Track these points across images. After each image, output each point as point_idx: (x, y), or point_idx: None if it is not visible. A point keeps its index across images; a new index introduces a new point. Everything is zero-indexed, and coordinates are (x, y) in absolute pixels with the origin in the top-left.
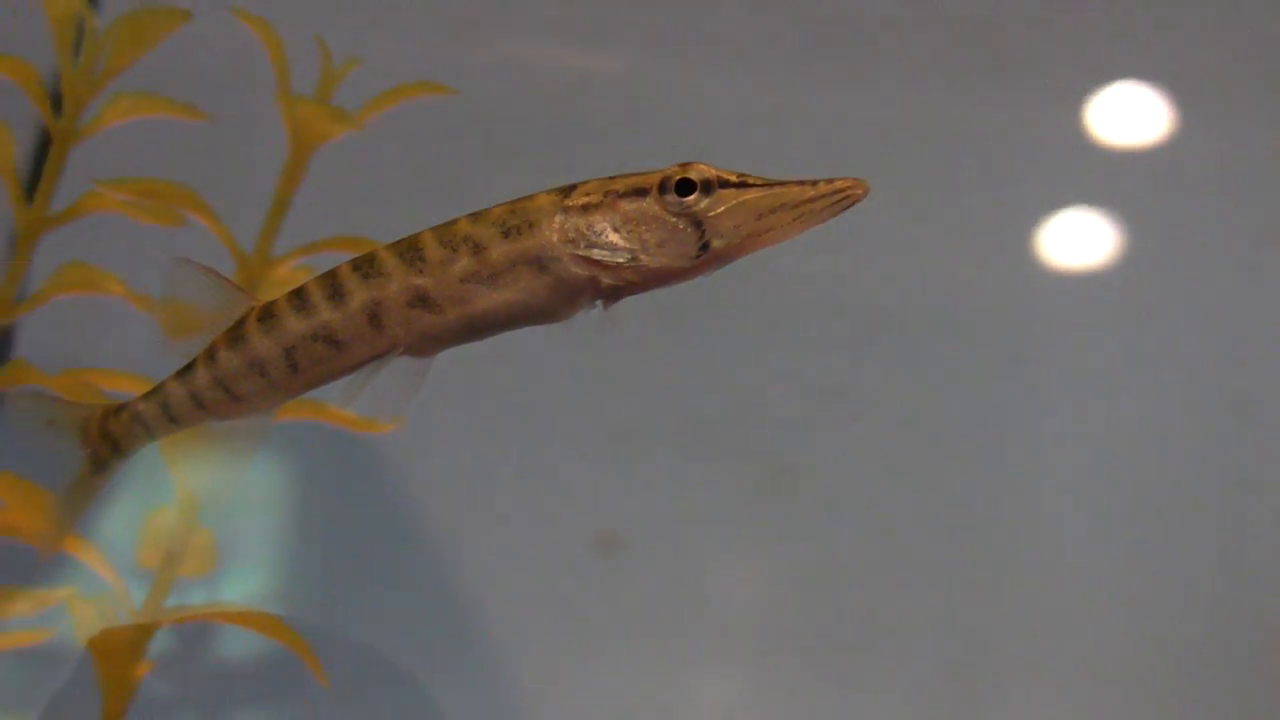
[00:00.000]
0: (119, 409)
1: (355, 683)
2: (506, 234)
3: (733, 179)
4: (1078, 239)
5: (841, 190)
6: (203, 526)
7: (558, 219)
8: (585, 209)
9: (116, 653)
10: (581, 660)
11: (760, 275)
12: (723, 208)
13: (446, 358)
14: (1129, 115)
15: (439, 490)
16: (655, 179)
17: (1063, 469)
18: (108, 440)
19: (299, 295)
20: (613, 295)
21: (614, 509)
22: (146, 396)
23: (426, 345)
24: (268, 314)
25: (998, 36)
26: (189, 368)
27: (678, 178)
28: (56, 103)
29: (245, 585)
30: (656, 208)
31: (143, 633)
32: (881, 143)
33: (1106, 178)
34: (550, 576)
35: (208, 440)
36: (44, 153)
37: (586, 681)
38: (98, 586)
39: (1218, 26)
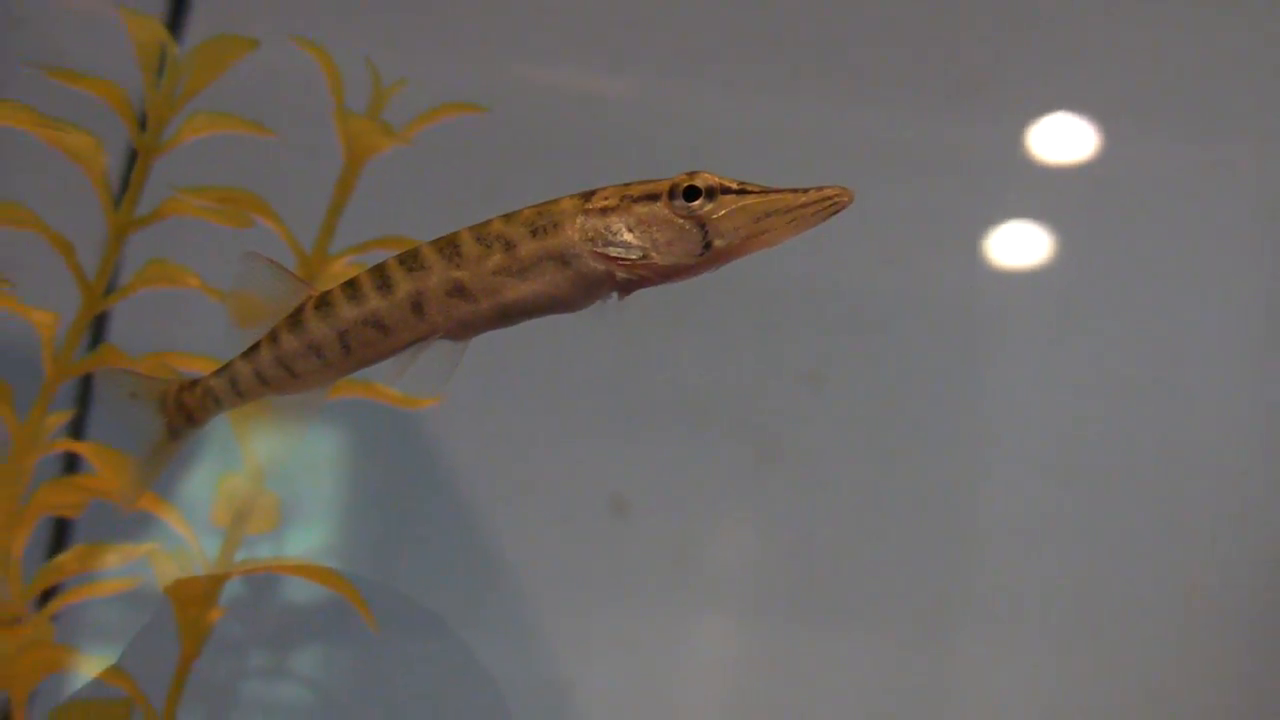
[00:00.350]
0: (193, 384)
1: (400, 626)
2: (534, 233)
3: (733, 186)
4: (1020, 244)
5: (829, 197)
6: (268, 490)
7: (579, 220)
8: (604, 211)
9: (192, 600)
10: (595, 607)
11: (753, 276)
12: (724, 211)
13: (480, 344)
14: (1063, 137)
15: (473, 459)
16: (665, 185)
17: (1009, 442)
18: (182, 411)
19: (352, 286)
20: (627, 288)
21: (624, 477)
22: (217, 373)
23: (463, 330)
24: (324, 302)
25: (955, 71)
26: (254, 349)
27: (685, 184)
28: (142, 121)
29: (305, 541)
30: (666, 211)
31: (215, 582)
32: (854, 157)
33: (1044, 191)
34: (569, 535)
35: (270, 412)
36: (131, 164)
37: (599, 624)
38: (177, 542)
39: (1138, 58)
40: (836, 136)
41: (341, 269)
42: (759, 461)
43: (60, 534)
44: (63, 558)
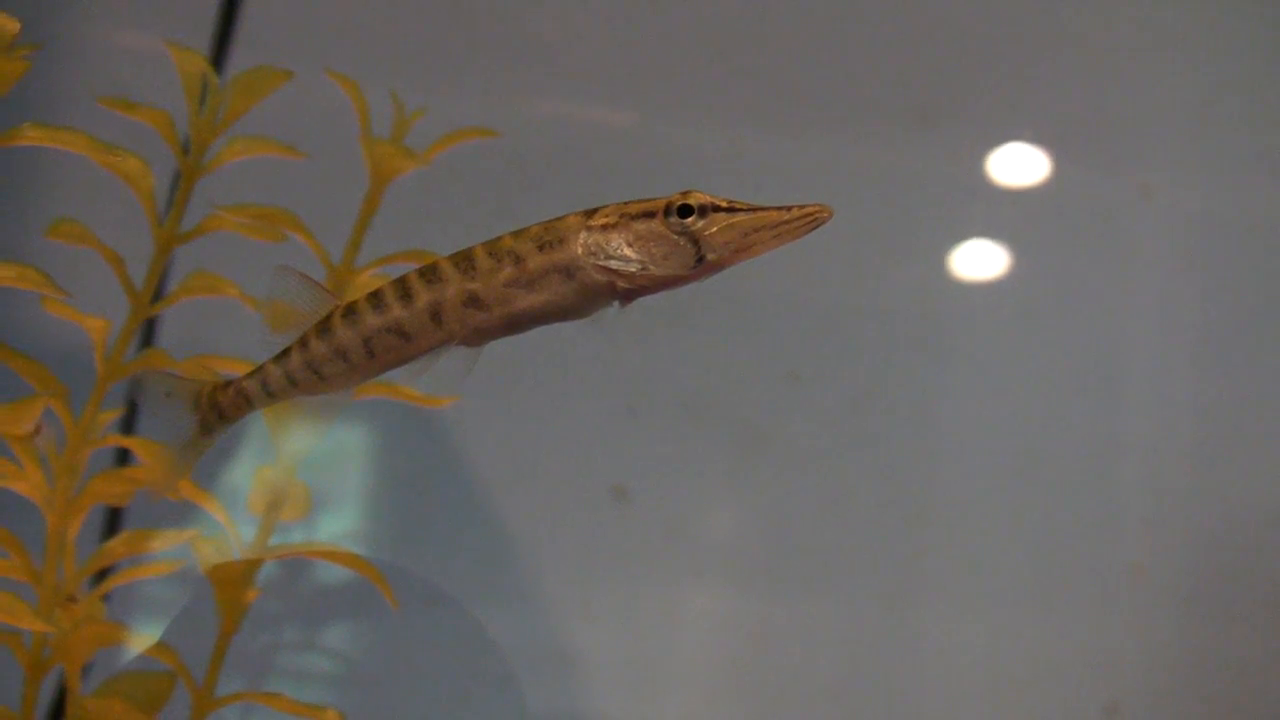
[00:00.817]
0: (226, 384)
1: (419, 603)
2: (541, 248)
3: (723, 204)
4: (978, 259)
5: (811, 214)
6: (300, 481)
7: (583, 236)
8: (605, 228)
9: (231, 581)
10: (597, 583)
11: (740, 284)
12: (715, 228)
13: (495, 349)
14: (1018, 163)
15: (487, 452)
16: (661, 204)
17: (968, 434)
18: (215, 409)
19: (376, 296)
20: (628, 297)
21: (623, 465)
22: (250, 375)
23: (477, 337)
24: (350, 311)
25: (923, 105)
26: (285, 353)
27: (679, 203)
28: (185, 145)
29: (333, 527)
30: (662, 228)
31: (251, 565)
32: (832, 180)
33: (1001, 211)
34: (573, 518)
35: (298, 411)
36: (175, 184)
37: (601, 599)
38: (216, 528)
39: (1083, 95)
40: (816, 163)
41: (367, 280)
42: (744, 451)
43: (111, 521)
44: (113, 543)
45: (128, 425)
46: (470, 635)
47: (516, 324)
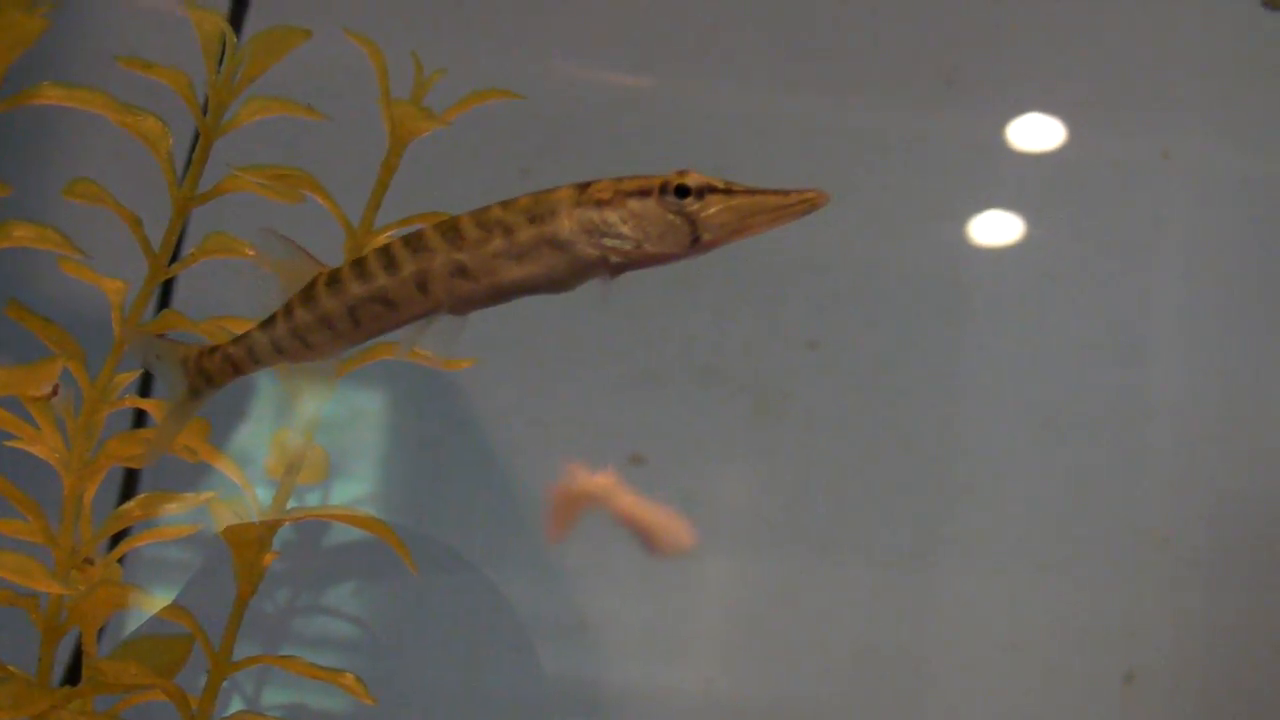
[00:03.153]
0: (212, 350)
1: (434, 567)
2: (532, 220)
3: (720, 186)
4: (997, 225)
5: (807, 199)
6: (317, 444)
7: (576, 210)
8: (599, 204)
9: (248, 544)
10: (614, 548)
11: (756, 252)
12: (712, 209)
13: (510, 315)
14: (1036, 131)
15: (505, 417)
16: (657, 182)
17: (988, 399)
18: (202, 374)
19: (359, 265)
20: (617, 271)
21: (640, 430)
22: (235, 341)
23: (463, 306)
24: (334, 279)
25: (943, 72)
26: (270, 320)
27: (676, 183)
28: (204, 105)
29: (350, 491)
30: (657, 207)
31: (269, 528)
32: (852, 146)
33: (1019, 178)
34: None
35: (286, 376)
36: (194, 144)
37: (618, 563)
38: (234, 491)
39: (1098, 63)
40: (837, 127)
41: (386, 240)
42: (762, 417)
43: (129, 483)
44: (130, 505)
45: (145, 387)
46: (487, 600)
47: (504, 294)
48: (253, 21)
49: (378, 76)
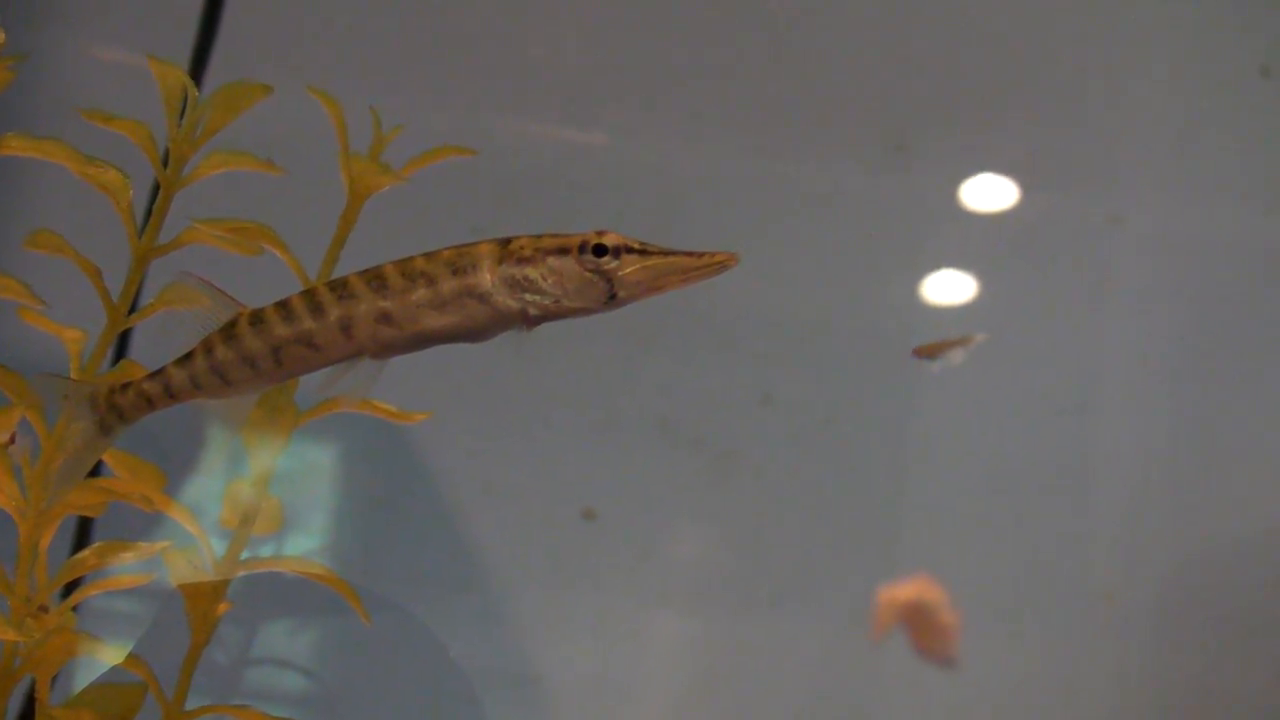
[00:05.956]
0: (124, 386)
1: (389, 620)
2: (455, 272)
3: (636, 246)
4: (949, 283)
5: (718, 260)
6: (272, 496)
7: (498, 266)
8: (520, 261)
9: (202, 594)
10: (566, 603)
11: (711, 304)
12: (628, 269)
13: (464, 367)
14: (988, 191)
15: (457, 469)
16: (576, 241)
17: (938, 456)
18: (114, 410)
19: (284, 307)
20: (534, 323)
21: (593, 485)
22: (151, 377)
23: (385, 352)
24: (258, 319)
25: (897, 134)
26: (188, 356)
27: (594, 243)
28: (165, 158)
29: (303, 544)
30: (576, 264)
31: (223, 579)
32: (807, 205)
33: (971, 237)
34: (542, 537)
35: (203, 414)
36: (154, 197)
37: (570, 619)
38: (188, 541)
39: (1050, 126)
40: (789, 187)
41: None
42: (715, 472)
43: (83, 532)
44: (85, 554)
45: None
46: (438, 652)
47: (424, 342)
48: (214, 75)
49: (337, 132)
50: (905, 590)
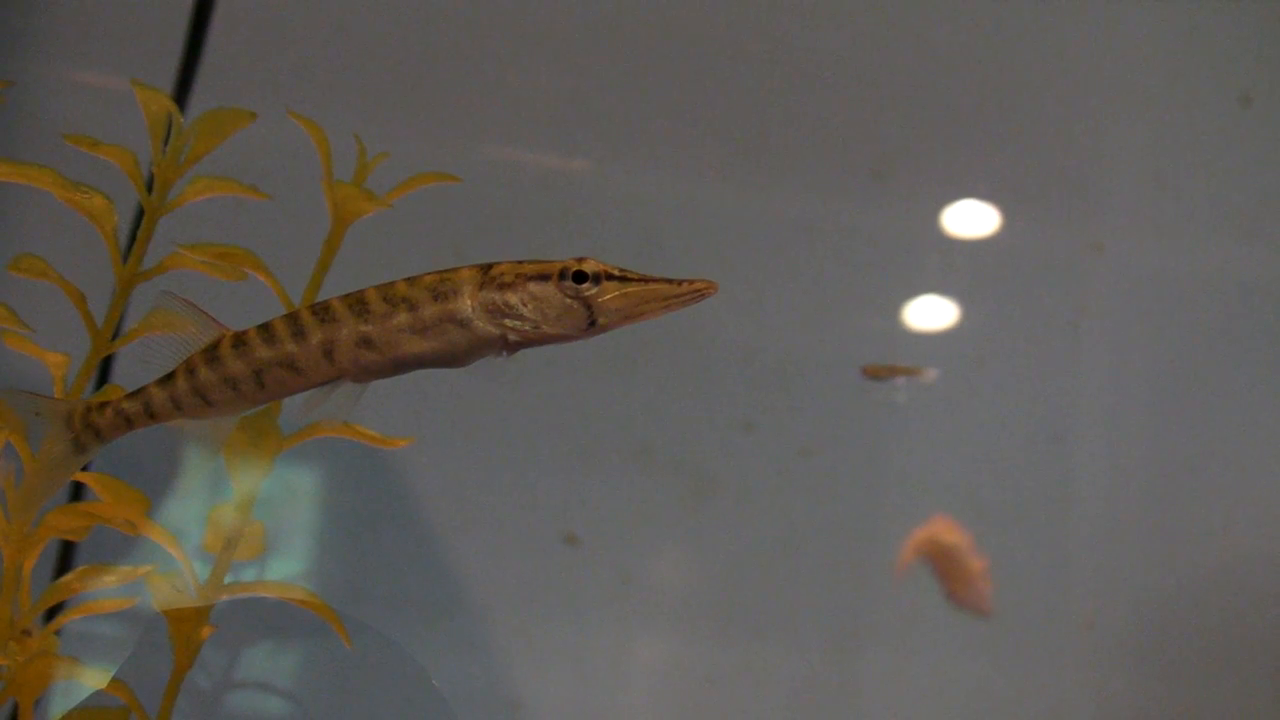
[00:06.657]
0: (102, 405)
1: (371, 645)
2: (436, 298)
3: (616, 273)
4: (931, 309)
5: (697, 288)
6: (255, 520)
7: (479, 292)
8: (500, 286)
9: (185, 618)
10: (547, 629)
11: (693, 333)
12: (608, 295)
13: (448, 392)
14: (969, 218)
15: (440, 494)
16: (556, 268)
17: (918, 483)
18: (90, 429)
19: (267, 330)
20: (514, 348)
21: (575, 510)
22: (131, 396)
23: (365, 375)
24: (240, 342)
25: (878, 162)
26: (169, 377)
27: (574, 269)
28: (149, 183)
29: (287, 567)
30: (556, 291)
31: (206, 603)
32: (788, 234)
33: (953, 264)
34: (524, 564)
35: (182, 434)
36: (138, 222)
37: (551, 644)
38: (171, 565)
39: (1032, 153)
40: (770, 215)
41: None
42: (695, 498)
43: (66, 555)
44: (68, 578)
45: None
46: (419, 678)
47: (405, 366)
48: (198, 101)
49: (321, 158)
50: (925, 530)
